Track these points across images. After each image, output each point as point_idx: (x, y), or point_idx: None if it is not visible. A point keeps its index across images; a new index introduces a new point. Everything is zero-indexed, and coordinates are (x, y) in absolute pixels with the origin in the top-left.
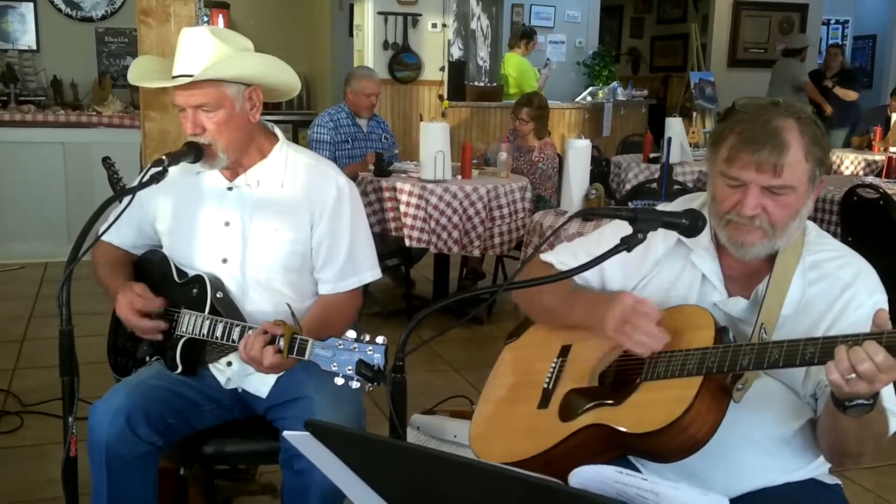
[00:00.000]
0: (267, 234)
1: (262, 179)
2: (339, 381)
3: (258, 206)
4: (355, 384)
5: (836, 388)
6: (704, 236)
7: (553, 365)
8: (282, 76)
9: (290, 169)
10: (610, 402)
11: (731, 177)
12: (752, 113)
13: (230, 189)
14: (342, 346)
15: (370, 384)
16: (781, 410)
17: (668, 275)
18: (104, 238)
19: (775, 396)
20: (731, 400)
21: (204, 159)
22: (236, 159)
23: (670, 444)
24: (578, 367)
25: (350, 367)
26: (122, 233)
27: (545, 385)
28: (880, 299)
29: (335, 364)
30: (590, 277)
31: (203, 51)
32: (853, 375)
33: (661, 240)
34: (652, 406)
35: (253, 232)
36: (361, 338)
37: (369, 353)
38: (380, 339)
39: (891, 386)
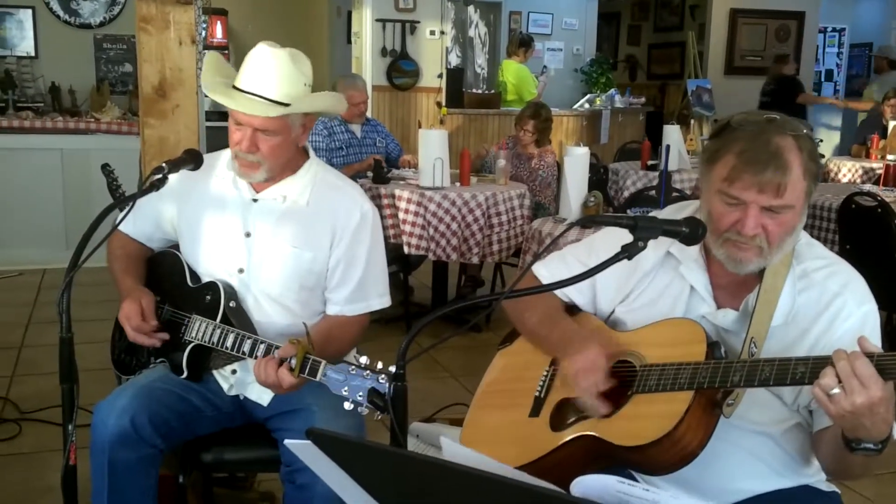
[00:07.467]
0: (286, 250)
1: (289, 195)
2: (348, 405)
3: (281, 220)
4: (364, 410)
5: (821, 405)
6: (694, 248)
7: (545, 373)
8: (339, 108)
9: (316, 187)
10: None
11: (732, 196)
12: (750, 131)
13: (255, 200)
14: (354, 372)
15: (379, 413)
16: (767, 416)
17: (657, 287)
18: (120, 228)
19: (761, 403)
20: (720, 415)
21: (244, 171)
22: (271, 176)
23: (660, 458)
24: None
25: (361, 394)
26: (137, 224)
27: (537, 393)
28: (869, 309)
29: (346, 389)
30: (582, 287)
31: (284, 78)
32: (836, 391)
33: (650, 252)
34: (643, 419)
35: (273, 246)
36: (374, 366)
37: (381, 381)
38: (392, 369)
39: None
